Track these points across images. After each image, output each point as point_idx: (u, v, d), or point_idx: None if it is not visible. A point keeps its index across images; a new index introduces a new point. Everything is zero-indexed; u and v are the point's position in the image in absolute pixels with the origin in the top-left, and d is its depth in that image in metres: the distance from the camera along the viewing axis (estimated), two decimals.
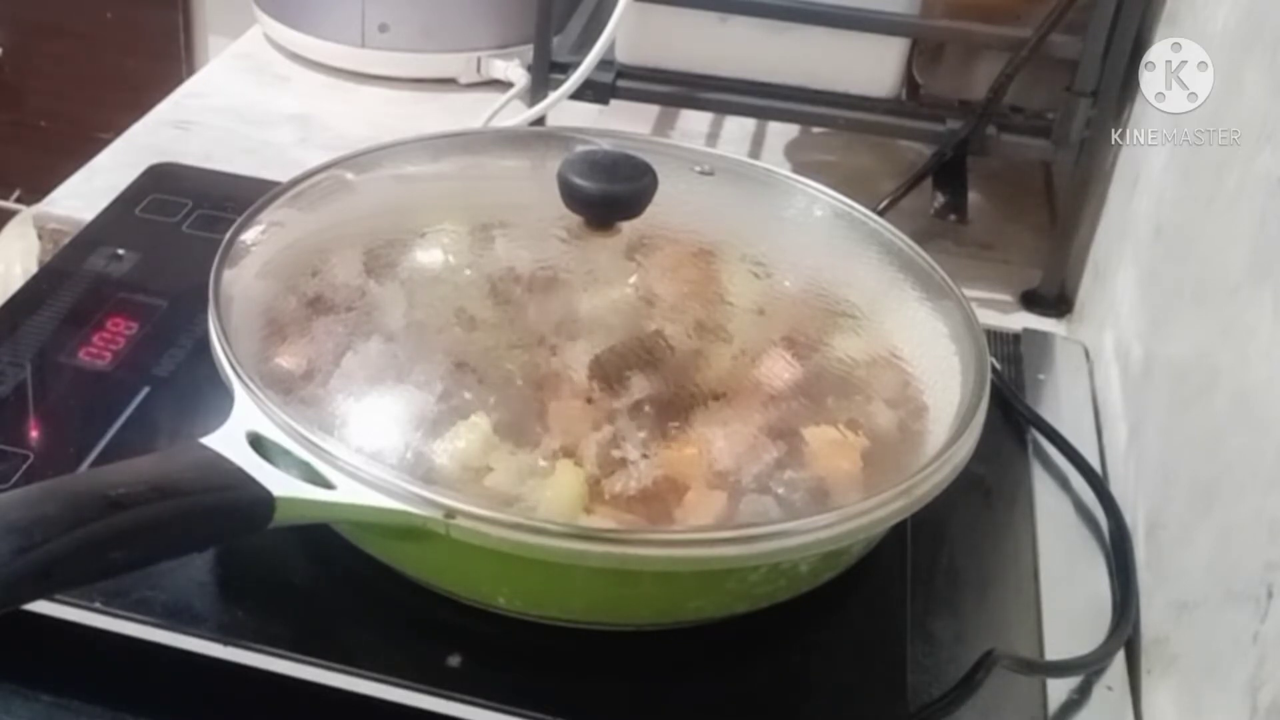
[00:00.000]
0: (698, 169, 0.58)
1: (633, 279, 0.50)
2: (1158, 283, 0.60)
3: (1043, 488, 0.58)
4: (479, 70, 0.91)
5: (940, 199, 0.73)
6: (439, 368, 0.47)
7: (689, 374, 0.47)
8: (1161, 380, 0.56)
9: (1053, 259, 0.74)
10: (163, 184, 0.68)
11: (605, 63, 0.73)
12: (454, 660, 0.44)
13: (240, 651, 0.44)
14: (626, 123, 0.81)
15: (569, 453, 0.45)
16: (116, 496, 0.38)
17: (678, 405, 0.46)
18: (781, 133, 0.87)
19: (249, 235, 0.52)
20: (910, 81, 0.76)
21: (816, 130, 0.86)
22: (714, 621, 0.46)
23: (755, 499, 0.44)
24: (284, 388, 0.46)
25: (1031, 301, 0.75)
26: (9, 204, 1.38)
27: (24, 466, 0.50)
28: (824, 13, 0.70)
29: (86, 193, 0.75)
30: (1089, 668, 0.50)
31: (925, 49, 0.75)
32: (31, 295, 0.60)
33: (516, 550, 0.42)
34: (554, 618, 0.45)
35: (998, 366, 0.62)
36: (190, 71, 1.20)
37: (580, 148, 0.53)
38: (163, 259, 0.62)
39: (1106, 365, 0.64)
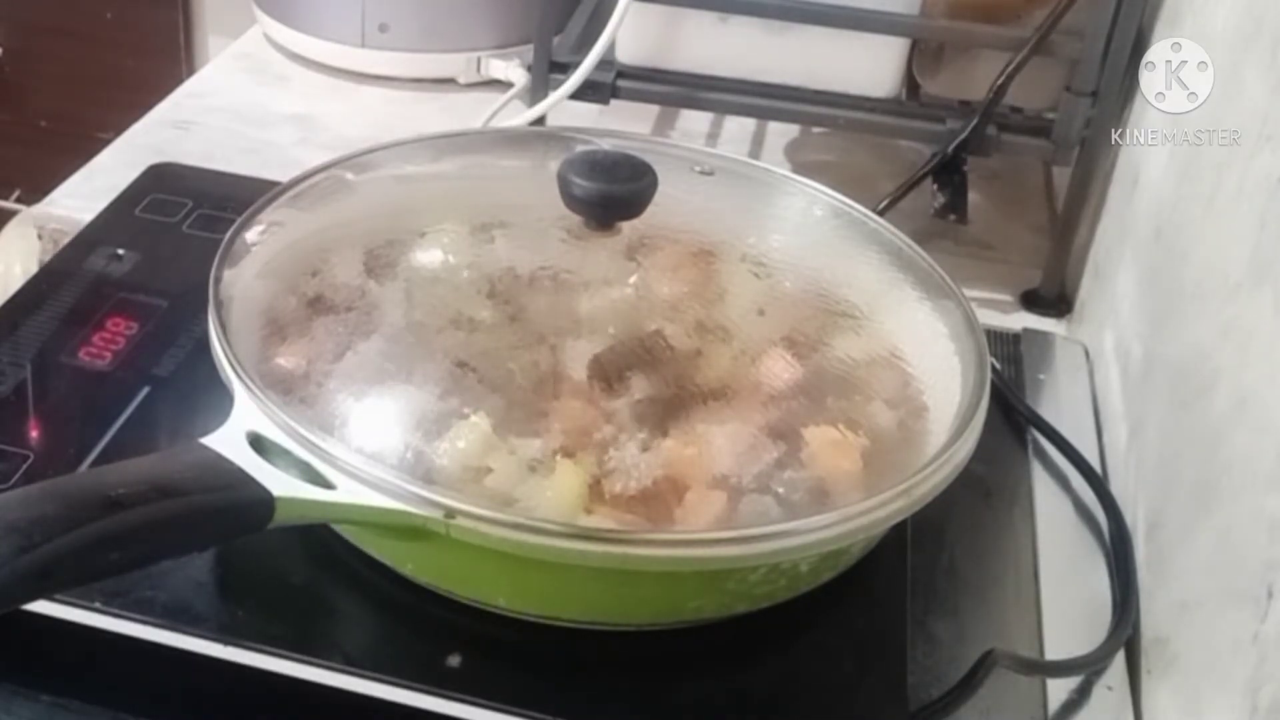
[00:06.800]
0: (698, 169, 0.58)
1: (633, 279, 0.50)
2: (1158, 283, 0.60)
3: (1043, 488, 0.58)
4: (479, 70, 0.91)
5: (940, 199, 0.73)
6: (439, 368, 0.47)
7: (689, 374, 0.47)
8: (1161, 380, 0.56)
9: (1053, 259, 0.74)
10: (163, 184, 0.68)
11: (605, 63, 0.73)
12: (454, 660, 0.44)
13: (240, 651, 0.44)
14: (626, 123, 0.80)
15: (569, 453, 0.44)
16: (116, 496, 0.38)
17: (678, 405, 0.46)
18: (781, 133, 0.87)
19: (249, 235, 0.52)
20: (910, 81, 0.76)
21: (816, 130, 0.86)
22: (714, 621, 0.46)
23: (755, 499, 0.44)
24: (284, 388, 0.46)
25: (1031, 301, 0.75)
26: (9, 204, 1.38)
27: (24, 466, 0.50)
28: (824, 13, 0.70)
29: (86, 193, 0.75)
30: (1089, 668, 0.50)
31: (925, 49, 0.75)
32: (31, 295, 0.60)
33: (516, 550, 0.42)
34: (554, 618, 0.45)
35: (998, 366, 0.62)
36: (190, 71, 1.20)
37: (580, 148, 0.54)
38: (163, 259, 0.62)
39: (1106, 365, 0.64)
